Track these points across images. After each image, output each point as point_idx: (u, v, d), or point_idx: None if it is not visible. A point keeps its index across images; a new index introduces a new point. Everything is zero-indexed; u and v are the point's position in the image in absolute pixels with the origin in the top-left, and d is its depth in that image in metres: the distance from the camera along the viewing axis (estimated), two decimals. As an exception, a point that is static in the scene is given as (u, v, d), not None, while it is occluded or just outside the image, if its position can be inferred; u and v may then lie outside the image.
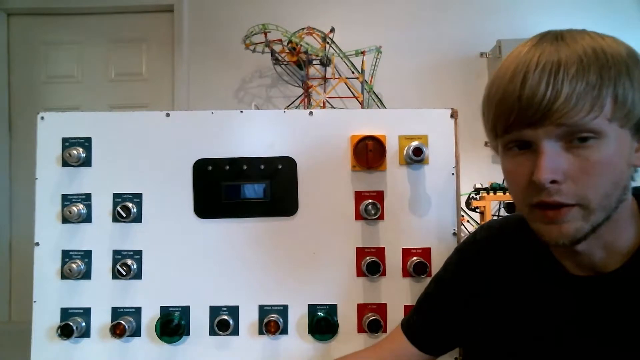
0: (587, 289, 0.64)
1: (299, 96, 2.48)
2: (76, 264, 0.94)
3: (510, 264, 0.73)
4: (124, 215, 0.94)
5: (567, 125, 0.55)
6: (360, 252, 0.96)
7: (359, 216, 0.96)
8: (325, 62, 2.43)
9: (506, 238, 0.76)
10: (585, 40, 0.58)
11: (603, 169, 0.56)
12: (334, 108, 2.35)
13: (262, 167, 0.97)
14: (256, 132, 0.98)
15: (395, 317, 0.94)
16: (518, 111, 0.57)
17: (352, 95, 2.39)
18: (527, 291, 0.70)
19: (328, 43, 2.41)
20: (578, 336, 0.64)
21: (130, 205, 0.95)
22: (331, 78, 2.41)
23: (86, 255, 0.96)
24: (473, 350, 0.79)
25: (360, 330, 0.95)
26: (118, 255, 0.96)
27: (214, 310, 0.95)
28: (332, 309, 0.96)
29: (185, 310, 0.96)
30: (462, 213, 2.27)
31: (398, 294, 0.96)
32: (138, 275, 0.96)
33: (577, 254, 0.63)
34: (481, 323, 0.75)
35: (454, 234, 0.97)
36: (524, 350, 0.68)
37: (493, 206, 2.36)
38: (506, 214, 2.18)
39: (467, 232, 2.41)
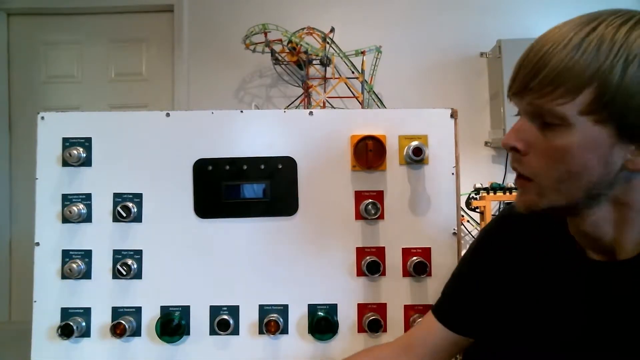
0: (605, 273, 0.63)
1: (299, 96, 2.48)
2: (76, 264, 0.94)
3: (533, 244, 0.73)
4: (124, 215, 0.94)
5: (536, 105, 0.58)
6: (360, 252, 0.96)
7: (359, 216, 0.96)
8: (325, 62, 2.43)
9: (531, 219, 0.74)
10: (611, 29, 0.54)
11: (560, 156, 0.57)
12: (334, 108, 2.35)
13: (262, 167, 0.97)
14: (256, 132, 0.98)
15: (395, 316, 0.94)
16: (514, 79, 0.60)
17: (352, 95, 2.39)
18: (546, 273, 0.70)
19: (328, 43, 2.41)
20: (594, 320, 0.63)
21: (130, 205, 0.95)
22: (331, 78, 2.41)
23: (86, 255, 0.96)
24: (489, 332, 0.78)
25: (361, 330, 0.95)
26: (118, 255, 0.96)
27: (214, 310, 0.95)
28: (332, 309, 0.96)
29: (185, 310, 0.96)
30: (462, 213, 2.28)
31: (398, 293, 0.96)
32: (138, 275, 0.96)
33: (590, 237, 0.63)
34: (502, 303, 0.74)
35: (454, 233, 0.97)
36: (541, 332, 0.68)
37: (493, 206, 2.37)
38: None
39: (467, 232, 2.41)
